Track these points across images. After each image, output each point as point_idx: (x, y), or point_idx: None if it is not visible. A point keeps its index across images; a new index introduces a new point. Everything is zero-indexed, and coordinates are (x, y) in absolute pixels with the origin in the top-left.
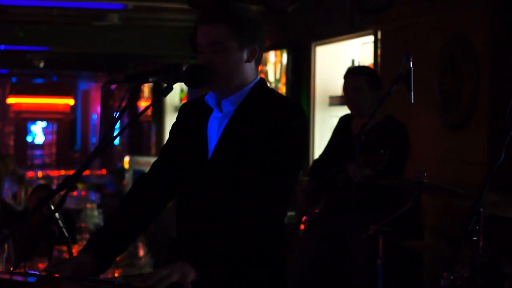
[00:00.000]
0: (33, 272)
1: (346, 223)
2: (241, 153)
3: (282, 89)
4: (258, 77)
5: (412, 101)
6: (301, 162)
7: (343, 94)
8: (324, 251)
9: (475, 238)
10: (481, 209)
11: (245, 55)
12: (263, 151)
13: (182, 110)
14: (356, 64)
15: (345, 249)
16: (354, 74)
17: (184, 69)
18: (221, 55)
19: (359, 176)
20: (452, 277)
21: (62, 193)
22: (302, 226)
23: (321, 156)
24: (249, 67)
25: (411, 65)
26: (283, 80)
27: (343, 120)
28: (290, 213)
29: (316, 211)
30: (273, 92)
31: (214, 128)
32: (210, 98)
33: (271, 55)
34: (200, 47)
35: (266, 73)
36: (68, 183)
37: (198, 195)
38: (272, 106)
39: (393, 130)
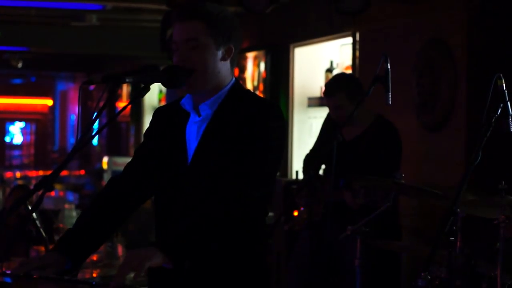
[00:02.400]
0: (9, 272)
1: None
2: (221, 156)
3: (261, 90)
4: (234, 79)
5: (390, 103)
6: (279, 163)
7: (327, 107)
8: (321, 252)
9: (452, 239)
10: (458, 210)
11: (220, 54)
12: (242, 154)
13: (157, 115)
14: (334, 65)
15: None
16: (333, 93)
17: (161, 70)
18: (197, 52)
19: (355, 205)
20: (429, 278)
21: (39, 193)
22: (286, 227)
23: (311, 151)
24: (225, 66)
25: (389, 67)
26: (261, 87)
27: (330, 118)
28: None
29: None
30: (250, 94)
31: (193, 133)
32: (186, 103)
33: (249, 64)
34: (175, 45)
35: (244, 81)
36: (45, 183)
37: (178, 199)
38: (250, 108)
39: (384, 132)
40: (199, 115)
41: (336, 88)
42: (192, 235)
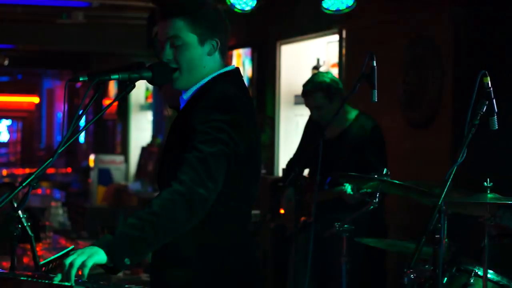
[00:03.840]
0: None
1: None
2: (178, 147)
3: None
4: (223, 70)
5: (376, 100)
6: (228, 156)
7: (308, 108)
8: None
9: (438, 236)
10: (443, 207)
11: (206, 49)
12: (187, 147)
13: None
14: (321, 63)
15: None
16: (311, 93)
17: (147, 67)
18: (180, 49)
19: (353, 199)
20: (414, 275)
21: (25, 191)
22: (272, 224)
23: (294, 154)
24: (212, 60)
25: (375, 64)
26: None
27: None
28: (254, 211)
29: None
30: (219, 86)
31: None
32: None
33: (235, 61)
34: (160, 43)
35: None
36: (31, 181)
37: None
38: (204, 101)
39: (367, 128)
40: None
41: (314, 89)
42: (132, 233)
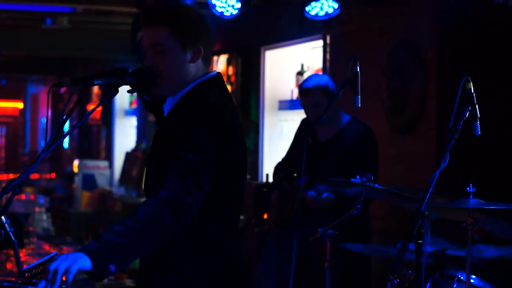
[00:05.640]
0: None
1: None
2: (163, 155)
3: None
4: (206, 76)
5: (359, 105)
6: (211, 162)
7: (303, 108)
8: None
9: (421, 241)
10: (427, 212)
11: (189, 56)
12: (173, 155)
13: None
14: (305, 68)
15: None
16: (311, 91)
17: (130, 72)
18: (162, 57)
19: (317, 205)
20: (398, 280)
21: (8, 196)
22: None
23: (283, 159)
24: (195, 67)
25: (358, 69)
26: (231, 90)
27: (305, 123)
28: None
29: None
30: (202, 94)
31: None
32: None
33: (220, 67)
34: (144, 49)
35: None
36: (14, 186)
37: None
38: (187, 109)
39: (360, 133)
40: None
41: (314, 87)
42: (118, 240)
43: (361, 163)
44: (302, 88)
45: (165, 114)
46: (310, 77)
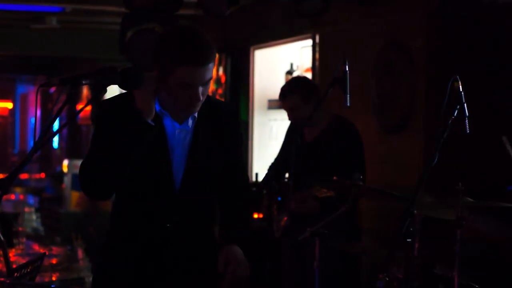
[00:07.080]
0: None
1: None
2: (214, 156)
3: (219, 93)
4: None
5: (348, 105)
6: None
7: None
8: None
9: (410, 240)
10: (415, 211)
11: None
12: (232, 148)
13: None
14: (294, 67)
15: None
16: (286, 95)
17: (118, 71)
18: (207, 86)
19: (300, 209)
20: (387, 279)
21: None
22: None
23: (275, 159)
24: None
25: (347, 69)
26: (220, 90)
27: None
28: None
29: (285, 218)
30: (216, 100)
31: (179, 139)
32: (164, 112)
33: None
34: (188, 85)
35: None
36: (2, 186)
37: (168, 200)
38: (222, 111)
39: (343, 131)
40: (181, 123)
41: (289, 91)
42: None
43: (346, 162)
44: (280, 92)
45: (189, 124)
46: (287, 82)
